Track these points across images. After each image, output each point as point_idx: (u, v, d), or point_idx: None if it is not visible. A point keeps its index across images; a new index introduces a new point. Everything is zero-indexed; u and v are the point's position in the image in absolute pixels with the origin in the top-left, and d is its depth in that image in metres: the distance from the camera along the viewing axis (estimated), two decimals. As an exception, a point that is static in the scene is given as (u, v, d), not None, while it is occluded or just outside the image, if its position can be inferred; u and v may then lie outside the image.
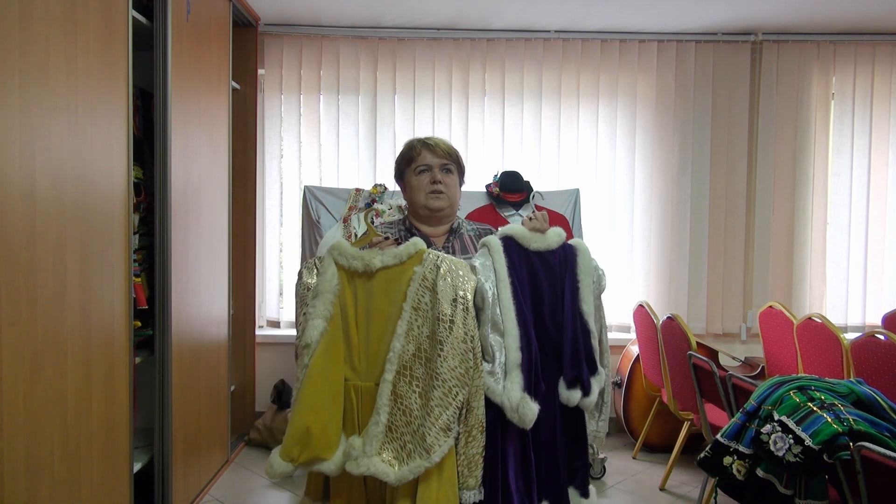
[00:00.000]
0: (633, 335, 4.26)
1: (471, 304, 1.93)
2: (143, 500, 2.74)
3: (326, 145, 4.43)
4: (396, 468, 1.84)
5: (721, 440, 2.22)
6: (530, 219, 2.13)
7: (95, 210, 2.23)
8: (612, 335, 4.42)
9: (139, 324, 2.66)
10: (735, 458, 2.18)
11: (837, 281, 4.58)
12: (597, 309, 2.16)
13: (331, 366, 1.92)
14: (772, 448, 2.03)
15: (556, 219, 3.86)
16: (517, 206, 3.90)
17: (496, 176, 4.01)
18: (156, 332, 2.79)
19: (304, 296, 1.99)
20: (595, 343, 2.11)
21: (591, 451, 3.77)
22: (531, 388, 1.95)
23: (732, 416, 2.45)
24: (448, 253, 2.14)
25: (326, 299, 1.92)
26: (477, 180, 4.14)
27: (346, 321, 1.95)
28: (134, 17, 2.48)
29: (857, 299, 4.57)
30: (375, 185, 4.02)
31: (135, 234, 2.63)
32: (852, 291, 4.58)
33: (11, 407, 1.80)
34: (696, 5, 3.95)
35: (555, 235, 2.13)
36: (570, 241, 2.19)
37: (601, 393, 2.15)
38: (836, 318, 4.46)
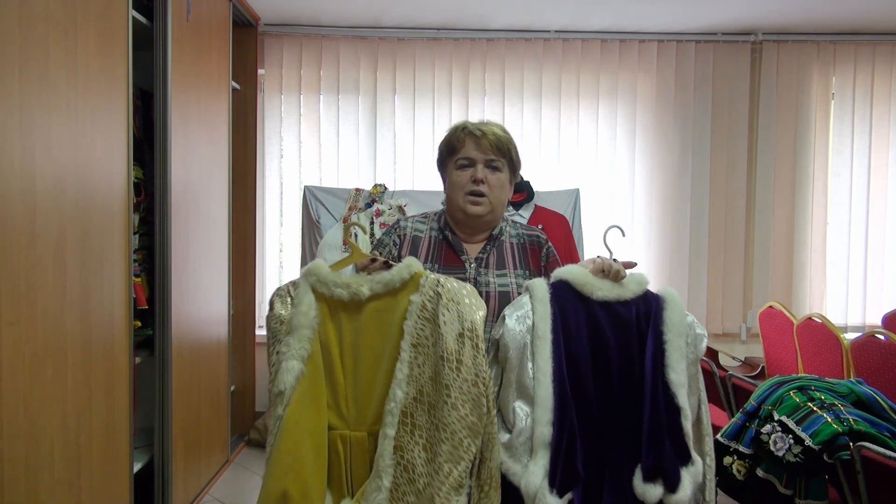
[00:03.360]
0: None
1: (481, 337, 1.58)
2: (143, 500, 2.74)
3: (326, 145, 4.43)
4: None
5: (721, 440, 2.22)
6: (601, 269, 1.69)
7: (95, 210, 2.23)
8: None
9: (139, 324, 2.65)
10: (735, 458, 2.18)
11: (837, 281, 4.58)
12: (691, 380, 1.66)
13: (311, 414, 1.60)
14: (772, 448, 2.03)
15: (556, 219, 3.86)
16: (517, 206, 3.90)
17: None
18: (156, 332, 2.79)
19: (276, 331, 1.65)
20: (687, 424, 1.60)
21: None
22: (559, 476, 1.54)
23: (732, 416, 2.45)
24: (480, 266, 1.80)
25: (303, 335, 1.60)
26: (477, 180, 4.14)
27: (329, 360, 1.63)
28: (134, 17, 2.48)
29: (857, 299, 4.57)
30: (375, 185, 4.02)
31: (135, 234, 2.62)
32: (852, 291, 4.58)
33: (11, 407, 1.80)
34: (696, 5, 3.95)
35: (632, 283, 1.68)
36: (658, 291, 1.72)
37: (701, 490, 1.65)
38: (836, 318, 4.46)
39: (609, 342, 1.63)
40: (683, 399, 1.61)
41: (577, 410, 1.60)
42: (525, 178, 4.00)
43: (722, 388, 2.80)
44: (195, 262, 3.12)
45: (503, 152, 1.79)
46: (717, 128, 4.52)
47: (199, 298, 3.19)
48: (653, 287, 1.73)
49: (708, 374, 2.95)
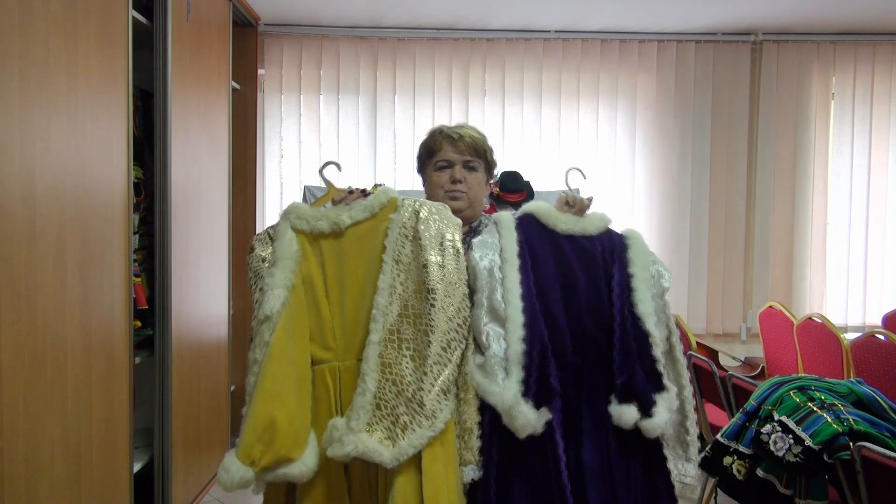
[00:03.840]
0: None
1: (461, 249, 1.64)
2: (143, 500, 2.74)
3: (326, 145, 4.43)
4: (392, 446, 1.50)
5: (721, 440, 2.22)
6: (565, 201, 1.77)
7: (95, 210, 2.23)
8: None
9: (139, 324, 2.65)
10: (735, 458, 2.18)
11: (837, 281, 4.58)
12: (659, 311, 1.70)
13: (296, 345, 1.59)
14: (772, 448, 2.03)
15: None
16: (517, 206, 3.89)
17: (496, 176, 4.00)
18: (156, 332, 2.79)
19: (259, 269, 1.68)
20: (657, 350, 1.64)
21: None
22: (532, 388, 1.55)
23: (732, 416, 2.45)
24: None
25: (286, 266, 1.61)
26: (477, 180, 4.14)
27: (313, 293, 1.64)
28: (134, 17, 2.48)
29: (857, 299, 4.58)
30: (375, 185, 4.01)
31: (135, 234, 2.62)
32: (852, 291, 4.58)
33: (11, 407, 1.80)
34: (696, 5, 3.94)
35: (595, 219, 1.75)
36: (622, 230, 1.79)
37: (683, 424, 1.69)
38: (836, 318, 4.46)
39: (575, 271, 1.68)
40: (652, 327, 1.65)
41: (549, 333, 1.63)
42: (525, 178, 4.00)
43: (722, 388, 2.80)
44: (195, 262, 3.11)
45: (479, 153, 1.89)
46: (717, 128, 4.52)
47: (199, 298, 3.19)
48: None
49: (708, 374, 2.95)
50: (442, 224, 1.64)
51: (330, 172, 1.81)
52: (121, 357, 2.41)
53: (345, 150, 4.42)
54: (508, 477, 1.57)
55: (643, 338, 1.64)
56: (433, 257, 1.59)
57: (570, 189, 1.88)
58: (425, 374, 1.53)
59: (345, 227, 1.66)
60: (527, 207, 1.76)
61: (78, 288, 2.12)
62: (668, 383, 1.65)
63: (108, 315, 2.32)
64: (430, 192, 1.92)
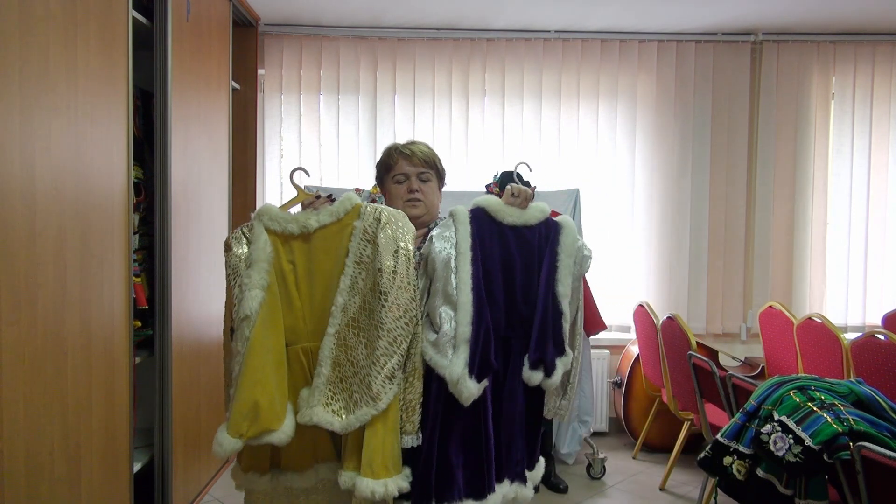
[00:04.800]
0: (633, 335, 4.26)
1: (412, 254, 1.91)
2: (143, 500, 2.74)
3: (326, 145, 4.43)
4: (343, 417, 1.86)
5: (721, 440, 2.22)
6: (511, 193, 2.03)
7: (95, 210, 2.23)
8: (612, 335, 4.42)
9: (139, 324, 2.66)
10: (735, 458, 2.18)
11: (837, 281, 4.58)
12: (574, 292, 2.04)
13: (272, 335, 1.86)
14: (772, 448, 2.03)
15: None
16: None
17: (496, 176, 4.01)
18: (156, 332, 2.79)
19: (237, 267, 1.89)
20: (565, 325, 2.00)
21: (590, 448, 3.78)
22: (476, 366, 1.88)
23: (732, 416, 2.45)
24: (418, 251, 2.09)
25: (261, 268, 1.85)
26: (477, 180, 4.14)
27: (285, 287, 1.90)
28: (134, 17, 2.48)
29: (857, 299, 4.58)
30: (375, 185, 4.02)
31: (135, 234, 2.63)
32: (852, 291, 4.58)
33: (11, 407, 1.80)
34: (696, 5, 3.95)
35: (536, 211, 2.02)
36: (556, 218, 2.06)
37: (567, 374, 2.08)
38: (836, 318, 4.46)
39: (515, 260, 1.98)
40: (566, 306, 1.99)
41: (492, 315, 1.94)
42: (525, 179, 4.00)
43: (722, 388, 2.80)
44: (195, 262, 3.12)
45: (430, 165, 2.16)
46: (717, 128, 4.52)
47: (199, 298, 3.19)
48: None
49: (708, 374, 2.95)
50: (398, 231, 1.91)
51: (298, 177, 2.06)
52: (121, 357, 2.41)
53: (345, 151, 4.42)
54: (449, 432, 1.92)
55: (557, 315, 1.98)
56: (387, 262, 1.86)
57: (519, 180, 2.25)
58: (373, 363, 1.84)
59: (312, 231, 1.91)
60: (479, 201, 2.01)
61: (78, 288, 2.12)
62: (568, 349, 2.02)
63: (108, 315, 2.32)
64: (391, 203, 2.18)
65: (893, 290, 4.58)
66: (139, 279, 2.69)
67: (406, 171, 2.14)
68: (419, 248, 2.08)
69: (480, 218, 1.98)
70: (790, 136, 4.53)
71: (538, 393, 2.06)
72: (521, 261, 1.99)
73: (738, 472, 2.17)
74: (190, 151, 3.04)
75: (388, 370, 1.84)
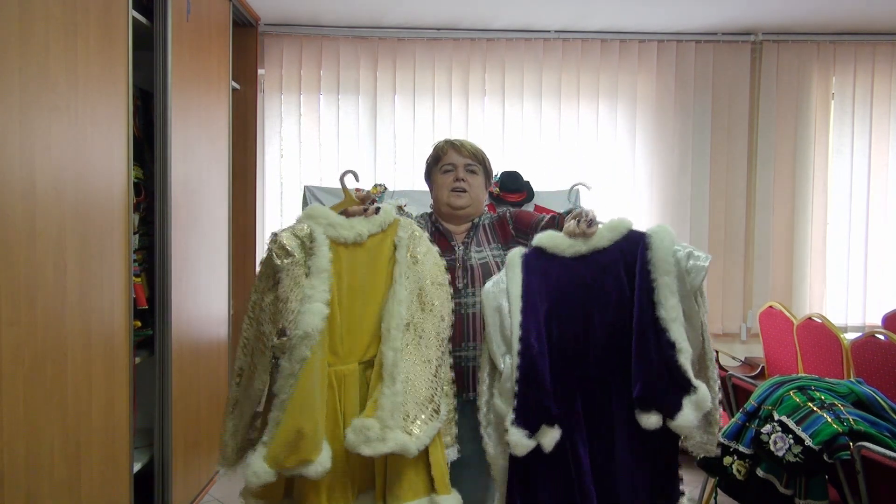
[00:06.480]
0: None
1: (445, 281, 1.86)
2: (143, 500, 2.74)
3: (326, 145, 4.43)
4: (416, 437, 1.69)
5: (721, 440, 2.22)
6: (573, 217, 1.83)
7: (95, 210, 2.23)
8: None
9: (139, 324, 2.65)
10: (735, 458, 2.19)
11: (837, 281, 4.58)
12: (690, 314, 1.70)
13: (322, 355, 1.70)
14: (772, 448, 2.03)
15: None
16: (517, 206, 3.90)
17: (496, 176, 4.02)
18: (156, 332, 2.79)
19: (297, 276, 1.69)
20: (680, 357, 1.67)
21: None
22: (523, 415, 1.70)
23: (732, 416, 2.45)
24: (463, 248, 2.07)
25: (324, 279, 1.68)
26: (477, 180, 4.14)
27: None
28: (134, 17, 2.48)
29: (857, 299, 4.58)
30: (375, 185, 4.02)
31: (135, 234, 2.62)
32: (852, 291, 4.58)
33: (11, 407, 1.80)
34: (696, 5, 3.95)
35: (606, 230, 1.78)
36: (647, 230, 1.77)
37: (707, 420, 1.75)
38: (836, 318, 4.46)
39: (587, 293, 1.75)
40: (676, 333, 1.67)
41: (559, 358, 1.74)
42: (525, 178, 4.00)
43: (722, 388, 2.80)
44: (195, 262, 3.12)
45: (479, 159, 2.15)
46: (717, 128, 4.52)
47: (199, 298, 3.19)
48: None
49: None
50: (430, 244, 1.87)
51: (350, 181, 1.93)
52: (121, 357, 2.41)
53: (345, 151, 4.42)
54: (535, 488, 1.72)
55: (667, 345, 1.66)
56: (432, 271, 1.82)
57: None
58: (433, 374, 1.74)
59: (365, 239, 1.79)
60: (535, 241, 1.84)
61: (78, 288, 2.12)
62: (697, 383, 1.68)
63: (108, 315, 2.32)
64: (437, 193, 2.15)
65: (893, 290, 4.58)
66: (139, 279, 2.69)
67: (454, 162, 2.13)
68: (464, 245, 2.09)
69: (534, 258, 1.81)
70: (790, 136, 4.53)
71: (661, 432, 1.73)
72: (597, 292, 1.75)
73: (739, 472, 2.17)
74: (190, 151, 3.04)
75: (444, 379, 1.78)
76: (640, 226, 1.84)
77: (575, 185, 2.05)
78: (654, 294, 1.69)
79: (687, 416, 1.66)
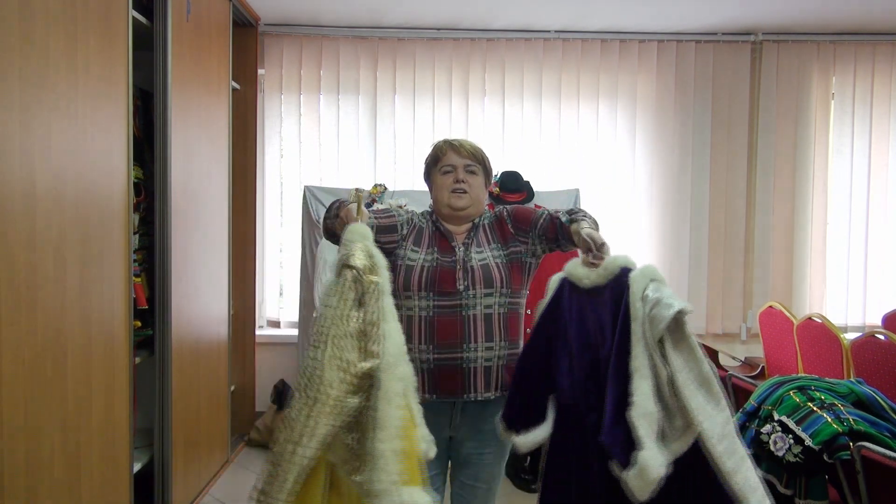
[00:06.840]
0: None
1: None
2: (143, 500, 2.74)
3: (326, 145, 4.43)
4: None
5: (721, 440, 2.21)
6: (586, 248, 1.80)
7: (95, 210, 2.23)
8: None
9: (139, 324, 2.65)
10: (735, 458, 2.18)
11: (837, 281, 4.58)
12: (657, 359, 1.53)
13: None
14: (772, 448, 2.03)
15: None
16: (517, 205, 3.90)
17: (496, 176, 4.01)
18: (156, 332, 2.79)
19: (379, 294, 1.61)
20: (634, 416, 1.49)
21: None
22: (508, 414, 1.85)
23: (732, 416, 2.45)
24: (463, 250, 2.03)
25: (391, 300, 1.65)
26: (477, 180, 4.14)
27: None
28: (134, 17, 2.48)
29: (857, 299, 4.57)
30: (375, 185, 4.02)
31: (135, 234, 2.63)
32: (852, 291, 4.58)
33: (11, 407, 1.80)
34: (696, 5, 3.95)
35: (601, 269, 1.71)
36: (633, 272, 1.65)
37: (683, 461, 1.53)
38: (836, 318, 4.46)
39: (589, 326, 1.73)
40: (635, 384, 1.51)
41: (567, 391, 1.75)
42: (525, 178, 4.00)
43: (722, 388, 2.80)
44: (195, 262, 3.12)
45: (478, 159, 2.13)
46: (717, 128, 4.52)
47: (199, 298, 3.19)
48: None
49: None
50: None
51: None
52: (121, 357, 2.41)
53: (345, 151, 4.42)
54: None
55: (625, 395, 1.53)
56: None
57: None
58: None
59: None
60: (564, 270, 1.83)
61: (78, 288, 2.12)
62: (649, 444, 1.47)
63: (108, 315, 2.32)
64: (436, 194, 2.14)
65: (893, 290, 4.58)
66: (139, 279, 2.69)
67: (453, 163, 2.11)
68: (464, 246, 2.05)
69: (563, 287, 1.82)
70: (790, 136, 4.53)
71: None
72: (594, 331, 1.71)
73: (738, 472, 2.16)
74: (190, 151, 3.04)
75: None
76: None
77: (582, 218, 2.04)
78: (629, 341, 1.57)
79: (647, 472, 1.44)
